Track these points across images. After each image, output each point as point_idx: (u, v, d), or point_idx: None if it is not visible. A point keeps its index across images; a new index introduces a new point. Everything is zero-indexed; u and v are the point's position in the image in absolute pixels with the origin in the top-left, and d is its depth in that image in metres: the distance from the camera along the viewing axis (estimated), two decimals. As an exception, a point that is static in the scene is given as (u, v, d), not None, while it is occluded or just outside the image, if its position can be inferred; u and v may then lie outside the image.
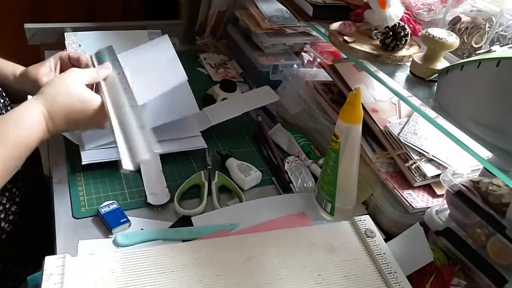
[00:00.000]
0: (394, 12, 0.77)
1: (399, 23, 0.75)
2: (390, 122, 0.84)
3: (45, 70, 0.81)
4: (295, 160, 0.91)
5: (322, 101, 0.95)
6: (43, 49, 1.23)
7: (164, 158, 0.87)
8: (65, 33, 1.09)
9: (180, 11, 1.41)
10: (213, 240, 0.68)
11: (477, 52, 0.71)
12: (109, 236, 0.71)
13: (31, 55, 1.27)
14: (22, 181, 0.80)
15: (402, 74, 0.73)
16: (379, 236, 0.70)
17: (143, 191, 0.81)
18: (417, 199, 0.76)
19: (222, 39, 1.39)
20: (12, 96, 0.83)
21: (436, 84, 0.68)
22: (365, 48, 0.75)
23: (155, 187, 0.81)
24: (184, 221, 0.76)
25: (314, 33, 1.16)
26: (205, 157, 0.90)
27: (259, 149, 0.96)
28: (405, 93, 0.69)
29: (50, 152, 0.89)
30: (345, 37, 0.77)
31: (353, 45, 0.75)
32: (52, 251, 0.68)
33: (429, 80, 0.70)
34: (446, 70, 0.63)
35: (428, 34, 0.68)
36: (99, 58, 0.82)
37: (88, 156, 0.83)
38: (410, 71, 0.73)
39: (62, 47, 1.10)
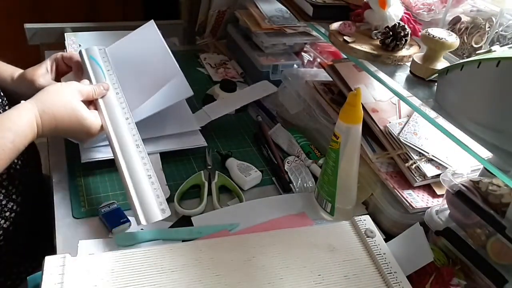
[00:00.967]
0: (394, 12, 0.77)
1: (399, 23, 0.75)
2: (390, 122, 0.84)
3: (42, 71, 0.82)
4: (295, 160, 0.91)
5: (322, 101, 0.95)
6: (43, 49, 1.23)
7: (164, 157, 0.87)
8: (65, 33, 1.10)
9: (180, 11, 1.41)
10: (213, 240, 0.68)
11: (477, 52, 0.71)
12: (109, 236, 0.71)
13: (31, 55, 1.27)
14: (19, 179, 0.80)
15: (402, 74, 0.73)
16: (379, 236, 0.70)
17: (143, 191, 0.81)
18: (417, 199, 0.76)
19: (222, 39, 1.39)
20: (9, 98, 0.84)
21: (436, 84, 0.68)
22: (365, 48, 0.75)
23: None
24: (184, 221, 0.76)
25: (314, 33, 1.16)
26: (205, 157, 0.90)
27: (259, 149, 0.96)
28: (405, 93, 0.69)
29: (50, 152, 0.89)
30: (345, 37, 0.77)
31: (353, 45, 0.75)
32: (52, 251, 0.68)
33: (429, 80, 0.70)
34: (446, 70, 0.63)
35: (428, 34, 0.68)
36: (90, 58, 0.83)
37: (87, 155, 0.83)
38: (410, 71, 0.73)
39: (62, 47, 1.10)
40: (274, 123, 1.02)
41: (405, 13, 0.79)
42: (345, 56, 0.99)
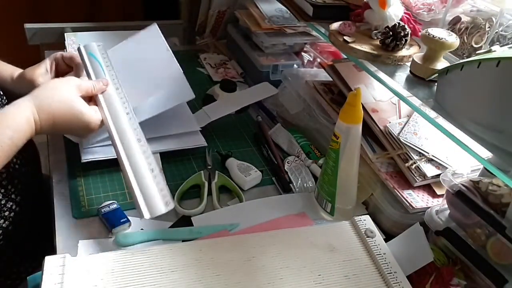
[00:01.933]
0: (394, 12, 0.77)
1: (399, 23, 0.75)
2: (390, 122, 0.84)
3: (41, 70, 0.81)
4: (295, 160, 0.91)
5: (322, 101, 0.95)
6: (43, 49, 1.23)
7: (164, 157, 0.87)
8: (65, 33, 1.10)
9: (180, 11, 1.41)
10: (213, 240, 0.68)
11: (477, 52, 0.71)
12: (109, 236, 0.71)
13: (31, 55, 1.26)
14: (18, 179, 0.80)
15: (402, 74, 0.73)
16: (379, 236, 0.70)
17: (143, 191, 0.81)
18: (417, 199, 0.76)
19: (222, 39, 1.39)
20: (9, 98, 0.84)
21: (436, 84, 0.68)
22: (365, 48, 0.75)
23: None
24: (184, 221, 0.76)
25: (314, 33, 1.16)
26: (205, 157, 0.90)
27: (259, 149, 0.96)
28: (405, 93, 0.69)
29: (50, 152, 0.89)
30: (345, 37, 0.77)
31: (353, 45, 0.75)
32: (52, 251, 0.68)
33: (429, 80, 0.70)
34: (446, 70, 0.63)
35: (428, 34, 0.68)
36: (89, 55, 0.83)
37: (87, 154, 0.83)
38: (410, 71, 0.73)
39: (62, 47, 1.10)
40: (274, 123, 1.02)
41: (405, 13, 0.79)
42: (345, 56, 0.99)
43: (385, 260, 0.66)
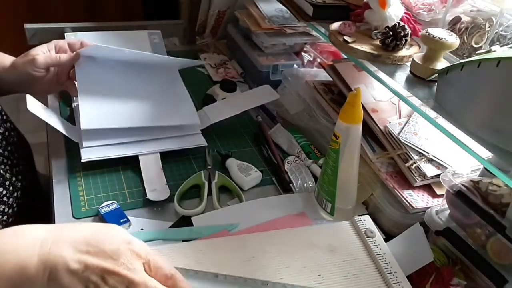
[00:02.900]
0: (394, 12, 0.77)
1: (399, 23, 0.75)
2: (390, 122, 0.84)
3: (41, 49, 0.82)
4: (295, 160, 0.91)
5: (322, 101, 0.95)
6: (43, 49, 1.23)
7: (164, 157, 0.87)
8: (65, 33, 1.09)
9: (180, 11, 1.41)
10: (213, 240, 0.68)
11: (477, 52, 0.71)
12: (109, 236, 0.71)
13: (31, 55, 1.26)
14: (10, 180, 0.80)
15: (402, 74, 0.73)
16: (379, 236, 0.70)
17: (143, 191, 0.81)
18: (417, 199, 0.76)
19: (222, 39, 1.39)
20: (1, 88, 0.84)
21: (436, 84, 0.68)
22: (365, 48, 0.75)
23: (155, 185, 0.81)
24: (184, 221, 0.76)
25: (314, 33, 1.16)
26: (205, 157, 0.90)
27: (259, 149, 0.96)
28: (405, 93, 0.69)
29: (50, 152, 0.89)
30: (345, 37, 0.77)
31: (353, 45, 0.75)
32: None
33: (429, 80, 0.70)
34: (446, 70, 0.63)
35: (428, 34, 0.68)
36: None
37: (87, 154, 0.83)
38: (410, 71, 0.73)
39: (62, 47, 1.09)
40: (274, 123, 1.02)
41: (405, 13, 0.79)
42: (345, 56, 0.99)
43: (385, 260, 0.66)
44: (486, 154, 0.58)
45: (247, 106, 1.00)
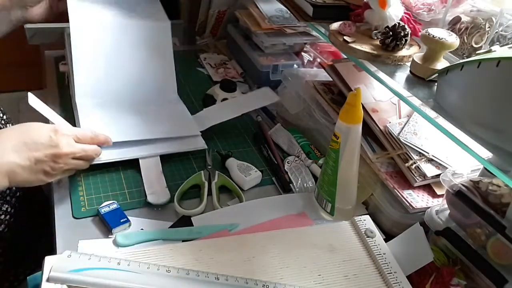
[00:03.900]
0: (394, 12, 0.77)
1: (399, 23, 0.75)
2: (390, 122, 0.84)
3: None
4: (295, 160, 0.91)
5: (322, 101, 0.95)
6: (43, 49, 1.23)
7: (164, 158, 0.87)
8: (65, 33, 1.09)
9: (180, 11, 1.41)
10: (213, 240, 0.68)
11: (477, 52, 0.70)
12: (109, 236, 0.71)
13: (31, 55, 1.26)
14: None
15: (402, 74, 0.73)
16: (379, 236, 0.70)
17: (143, 191, 0.81)
18: (417, 199, 0.76)
19: (222, 39, 1.39)
20: None
21: (436, 84, 0.68)
22: (365, 48, 0.75)
23: (155, 187, 0.81)
24: (184, 221, 0.76)
25: (314, 33, 1.16)
26: (205, 157, 0.90)
27: (259, 149, 0.96)
28: (405, 93, 0.69)
29: (50, 152, 0.89)
30: (345, 37, 0.77)
31: (353, 45, 0.75)
32: (52, 251, 0.68)
33: (429, 80, 0.70)
34: (446, 70, 0.63)
35: (428, 34, 0.68)
36: None
37: None
38: (410, 71, 0.73)
39: (62, 47, 1.10)
40: (274, 123, 1.02)
41: (405, 13, 0.79)
42: (345, 56, 0.99)
43: (385, 260, 0.66)
44: (486, 154, 0.58)
45: (247, 109, 1.00)
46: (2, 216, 0.77)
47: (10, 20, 0.86)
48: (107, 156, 0.83)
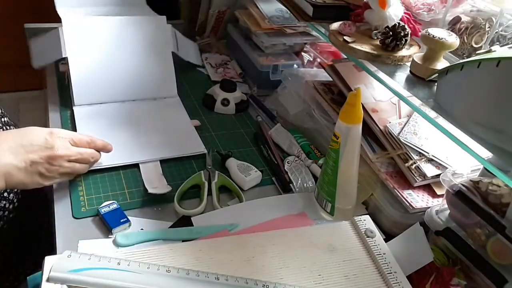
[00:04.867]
0: (394, 12, 0.77)
1: (399, 23, 0.75)
2: (390, 122, 0.84)
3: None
4: (295, 160, 0.91)
5: (322, 101, 0.95)
6: (43, 49, 1.23)
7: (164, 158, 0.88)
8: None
9: (180, 11, 1.41)
10: (213, 240, 0.68)
11: (477, 52, 0.71)
12: (109, 236, 0.71)
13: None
14: None
15: (402, 74, 0.73)
16: (379, 236, 0.70)
17: (143, 191, 0.81)
18: (417, 199, 0.76)
19: (222, 39, 1.39)
20: None
21: (436, 84, 0.68)
22: (365, 48, 0.75)
23: (156, 184, 0.81)
24: (184, 221, 0.76)
25: (314, 33, 1.16)
26: (205, 157, 0.90)
27: (259, 149, 0.96)
28: (405, 93, 0.69)
29: (50, 152, 0.89)
30: (345, 37, 0.77)
31: (353, 45, 0.75)
32: (52, 251, 0.68)
33: (429, 80, 0.70)
34: (446, 70, 0.63)
35: (428, 34, 0.68)
36: None
37: None
38: (410, 71, 0.73)
39: (62, 47, 1.09)
40: (274, 123, 1.02)
41: (405, 13, 0.79)
42: (345, 56, 0.99)
43: (385, 260, 0.66)
44: (486, 154, 0.58)
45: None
46: (1, 213, 0.77)
47: None
48: (107, 161, 0.83)
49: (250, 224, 0.75)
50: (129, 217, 0.74)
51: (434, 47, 0.68)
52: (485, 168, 0.66)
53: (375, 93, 0.90)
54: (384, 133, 0.83)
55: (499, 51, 0.60)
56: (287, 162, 0.90)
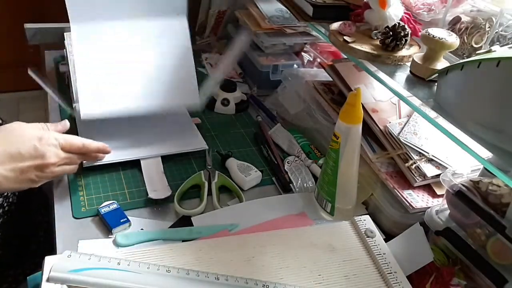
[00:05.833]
0: (394, 12, 0.77)
1: (399, 23, 0.75)
2: (390, 122, 0.84)
3: None
4: (295, 160, 0.91)
5: (322, 101, 0.95)
6: (43, 49, 1.23)
7: (165, 157, 0.87)
8: (65, 33, 1.09)
9: (180, 11, 1.41)
10: (213, 240, 0.68)
11: (477, 52, 0.71)
12: (109, 236, 0.71)
13: (31, 55, 1.26)
14: None
15: (402, 74, 0.73)
16: (379, 236, 0.70)
17: (143, 191, 0.81)
18: (417, 199, 0.76)
19: (222, 39, 1.39)
20: None
21: (436, 84, 0.68)
22: (365, 48, 0.75)
23: (157, 186, 0.81)
24: (184, 221, 0.76)
25: (314, 33, 1.16)
26: (205, 157, 0.90)
27: (259, 149, 0.96)
28: (405, 93, 0.69)
29: (50, 152, 0.89)
30: (345, 37, 0.77)
31: (353, 45, 0.75)
32: (52, 251, 0.68)
33: (429, 80, 0.70)
34: (446, 70, 0.63)
35: (428, 34, 0.68)
36: None
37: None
38: (410, 71, 0.73)
39: (62, 47, 1.10)
40: (274, 123, 1.02)
41: (405, 13, 0.79)
42: (345, 56, 0.99)
43: (385, 260, 0.66)
44: (486, 154, 0.58)
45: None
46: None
47: None
48: (108, 157, 0.83)
49: (250, 224, 0.75)
50: (129, 217, 0.74)
51: (434, 47, 0.68)
52: (485, 168, 0.66)
53: (375, 93, 0.90)
54: (384, 133, 0.83)
55: (499, 51, 0.60)
56: (287, 162, 0.90)
